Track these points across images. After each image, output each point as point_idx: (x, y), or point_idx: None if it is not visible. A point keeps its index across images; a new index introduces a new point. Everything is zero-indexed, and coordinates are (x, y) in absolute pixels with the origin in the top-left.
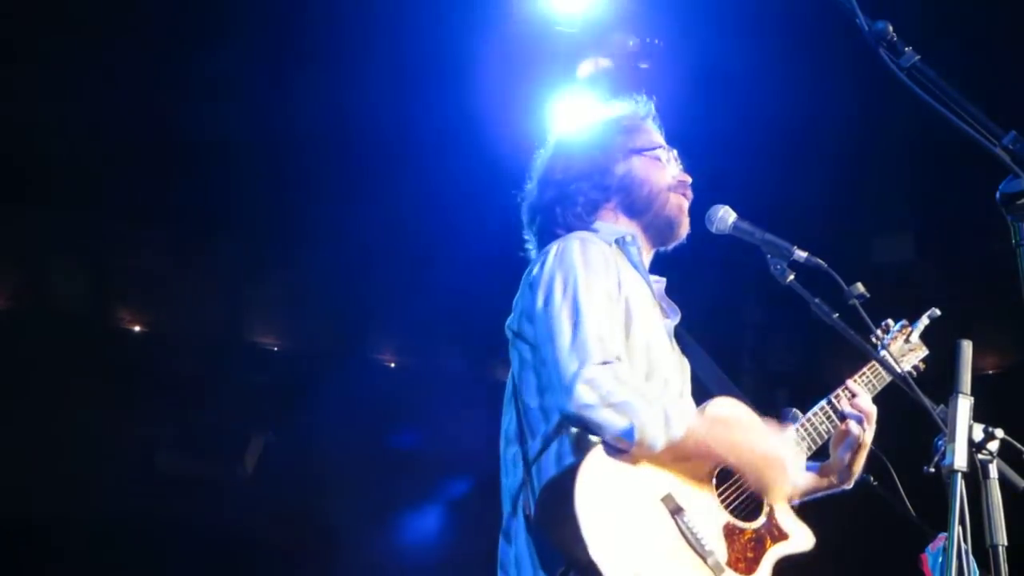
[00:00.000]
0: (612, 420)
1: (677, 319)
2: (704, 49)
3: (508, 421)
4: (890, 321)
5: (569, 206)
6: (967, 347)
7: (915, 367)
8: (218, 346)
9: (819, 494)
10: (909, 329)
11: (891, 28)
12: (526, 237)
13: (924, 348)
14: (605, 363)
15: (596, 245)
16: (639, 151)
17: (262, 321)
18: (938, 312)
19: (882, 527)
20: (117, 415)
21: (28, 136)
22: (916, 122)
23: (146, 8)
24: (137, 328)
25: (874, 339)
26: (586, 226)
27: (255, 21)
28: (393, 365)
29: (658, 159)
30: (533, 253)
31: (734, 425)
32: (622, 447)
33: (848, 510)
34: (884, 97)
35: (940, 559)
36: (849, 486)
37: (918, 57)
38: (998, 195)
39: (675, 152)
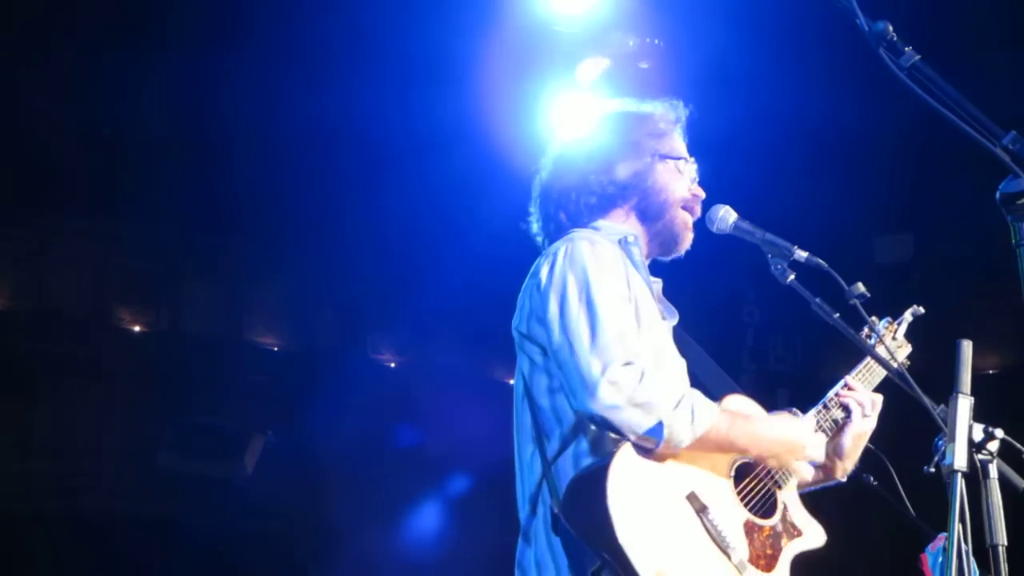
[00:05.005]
0: (639, 420)
1: (675, 320)
2: (705, 49)
3: (522, 421)
4: (875, 318)
5: (584, 195)
6: (967, 347)
7: (901, 364)
8: (218, 346)
9: (814, 487)
10: (895, 326)
11: (891, 28)
12: (531, 210)
13: (908, 345)
14: (628, 364)
15: (604, 246)
16: (664, 157)
17: (262, 321)
18: (922, 310)
19: (882, 527)
20: (117, 415)
21: (29, 136)
22: (916, 122)
23: (146, 9)
24: (137, 328)
25: (864, 336)
26: (591, 222)
27: (256, 24)
28: (393, 365)
29: (679, 170)
30: (535, 227)
31: (752, 418)
32: (649, 446)
33: (848, 510)
34: (884, 97)
35: (940, 559)
36: (843, 479)
37: (918, 57)
38: (998, 195)
39: (695, 164)
